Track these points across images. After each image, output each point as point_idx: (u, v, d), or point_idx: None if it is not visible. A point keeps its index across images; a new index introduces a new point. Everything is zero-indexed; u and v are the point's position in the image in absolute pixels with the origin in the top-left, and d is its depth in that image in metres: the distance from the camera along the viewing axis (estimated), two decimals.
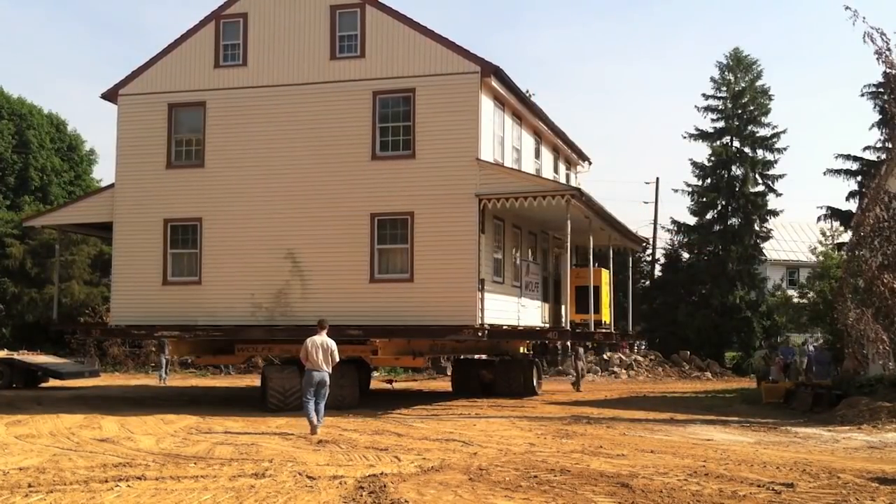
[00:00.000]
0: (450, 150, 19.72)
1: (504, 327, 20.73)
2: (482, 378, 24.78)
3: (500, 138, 21.33)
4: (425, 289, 19.46)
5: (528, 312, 23.00)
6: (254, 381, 28.66)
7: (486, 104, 20.25)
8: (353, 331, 19.23)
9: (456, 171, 19.57)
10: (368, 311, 19.41)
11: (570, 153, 27.89)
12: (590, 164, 29.72)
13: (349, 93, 20.43)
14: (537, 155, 24.76)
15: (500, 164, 20.63)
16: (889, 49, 18.53)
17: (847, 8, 18.04)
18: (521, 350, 26.15)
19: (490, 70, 19.82)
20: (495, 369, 24.79)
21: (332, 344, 15.30)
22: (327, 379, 15.17)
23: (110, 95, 22.04)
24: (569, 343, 28.42)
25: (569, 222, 19.53)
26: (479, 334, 19.27)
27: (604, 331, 23.24)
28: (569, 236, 19.73)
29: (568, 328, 20.59)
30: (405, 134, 20.13)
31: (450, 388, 26.19)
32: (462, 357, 26.10)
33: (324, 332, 15.39)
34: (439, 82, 19.96)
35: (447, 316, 19.16)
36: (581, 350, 28.68)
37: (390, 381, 29.03)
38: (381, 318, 19.37)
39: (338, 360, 15.47)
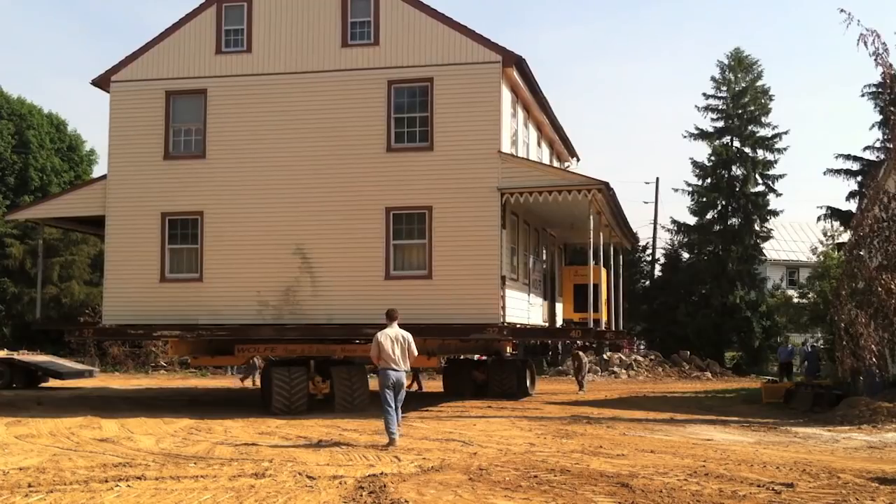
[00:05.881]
0: (470, 142, 19.29)
1: (517, 325, 20.55)
2: (475, 378, 24.37)
3: (514, 130, 21.08)
4: (444, 286, 19.02)
5: (534, 310, 22.92)
6: (254, 381, 28.60)
7: (506, 95, 19.97)
8: (370, 330, 18.81)
9: (477, 164, 19.15)
10: (383, 310, 18.73)
11: (562, 148, 27.76)
12: (578, 160, 29.61)
13: (362, 82, 19.91)
14: (538, 148, 24.67)
15: (515, 156, 20.29)
16: (886, 51, 18.54)
17: (841, 10, 18.05)
18: (508, 349, 25.89)
19: (512, 60, 19.45)
20: (488, 369, 24.36)
21: (409, 336, 13.28)
22: (404, 379, 13.31)
23: (101, 82, 21.22)
24: (580, 345, 28.19)
25: (591, 219, 19.20)
26: (505, 333, 19.07)
27: (606, 329, 23.15)
28: (591, 233, 19.31)
29: (592, 327, 20.06)
30: (422, 125, 19.69)
31: (441, 389, 25.91)
32: (454, 357, 25.84)
33: (395, 324, 13.43)
34: (458, 72, 19.53)
35: (468, 314, 18.75)
36: (582, 353, 28.45)
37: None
38: None
39: (416, 354, 13.53)
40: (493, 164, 19.17)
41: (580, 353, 28.20)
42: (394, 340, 13.12)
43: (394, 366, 13.02)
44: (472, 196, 19.12)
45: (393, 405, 12.99)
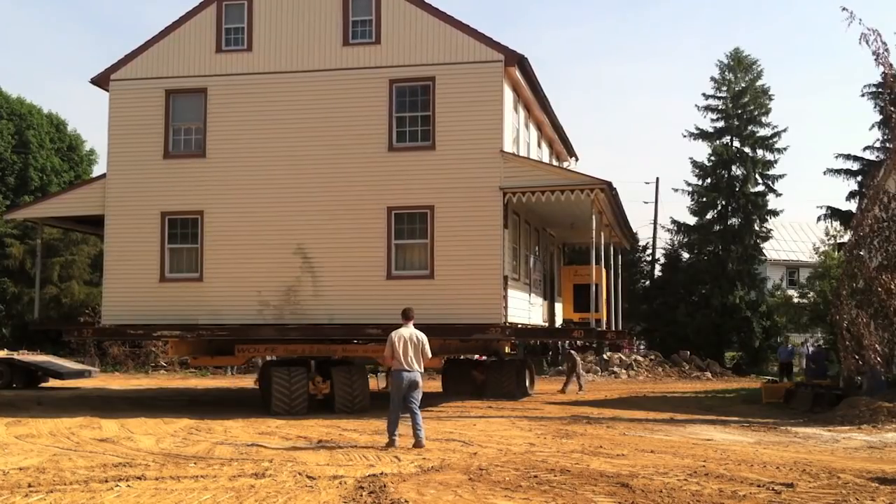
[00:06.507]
0: (472, 141, 19.23)
1: (519, 325, 20.48)
2: (474, 378, 24.26)
3: (516, 129, 21.04)
4: (446, 286, 18.95)
5: (534, 310, 22.88)
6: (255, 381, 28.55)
7: (508, 94, 19.93)
8: (373, 330, 18.70)
9: (479, 164, 19.10)
10: (385, 310, 18.54)
11: (561, 148, 27.71)
12: (577, 160, 29.59)
13: (363, 80, 19.84)
14: (538, 147, 24.64)
15: (517, 155, 20.24)
16: (887, 50, 18.55)
17: (844, 9, 18.07)
18: (507, 349, 25.89)
19: (515, 59, 19.42)
20: (487, 370, 24.25)
21: (423, 337, 13.00)
22: (419, 380, 12.88)
23: (101, 81, 21.08)
24: (570, 346, 28.19)
25: (593, 218, 19.20)
26: (507, 333, 19.01)
27: (606, 330, 23.12)
28: (593, 233, 19.30)
29: (595, 327, 19.99)
30: (424, 124, 19.62)
31: (440, 389, 25.83)
32: (453, 357, 25.82)
33: (410, 324, 13.17)
34: (461, 71, 19.46)
35: (470, 314, 18.70)
36: (575, 354, 28.38)
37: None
38: (398, 316, 18.68)
39: (430, 356, 13.20)
40: (495, 164, 19.13)
41: (573, 353, 28.17)
42: (408, 341, 12.85)
43: (407, 367, 12.76)
44: (475, 195, 19.07)
45: (400, 408, 12.76)
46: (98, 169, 51.74)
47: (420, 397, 12.98)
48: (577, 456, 12.09)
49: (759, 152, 44.38)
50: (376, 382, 26.81)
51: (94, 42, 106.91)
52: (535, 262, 23.41)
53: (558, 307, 27.23)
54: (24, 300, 41.38)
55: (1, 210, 41.94)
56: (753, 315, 42.40)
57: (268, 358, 23.31)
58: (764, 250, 46.79)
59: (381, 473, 10.29)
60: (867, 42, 18.28)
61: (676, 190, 45.34)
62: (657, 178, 50.18)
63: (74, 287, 42.26)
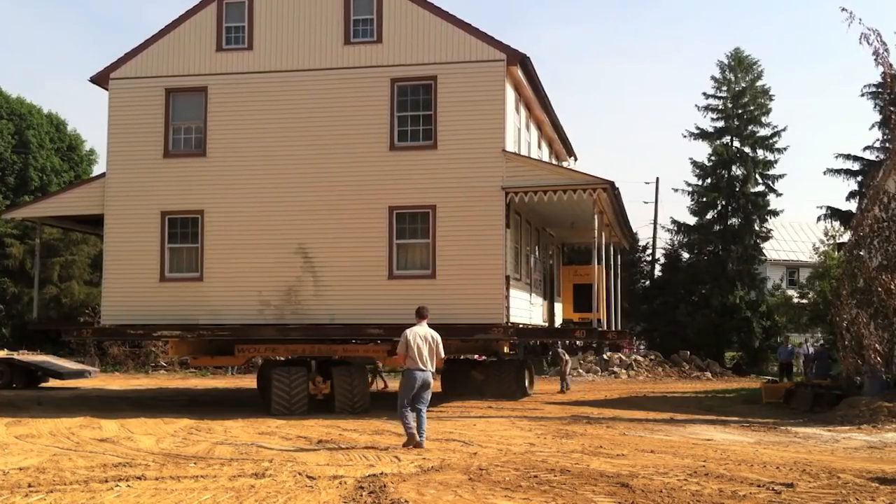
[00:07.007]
0: (474, 140, 19.21)
1: (521, 325, 20.51)
2: (473, 378, 24.24)
3: (517, 129, 21.03)
4: (448, 286, 18.92)
5: (535, 310, 22.87)
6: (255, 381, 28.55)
7: (510, 93, 19.91)
8: (374, 330, 18.68)
9: (481, 163, 19.09)
10: (387, 310, 18.71)
11: (560, 148, 27.69)
12: (575, 159, 29.58)
13: (365, 80, 19.82)
14: (539, 147, 24.64)
15: (519, 155, 20.21)
16: (887, 50, 18.56)
17: (843, 9, 18.07)
18: (506, 349, 25.87)
19: (517, 59, 19.39)
20: (487, 370, 24.23)
21: (438, 337, 12.87)
22: (431, 379, 12.77)
23: (100, 79, 21.03)
24: (560, 346, 28.17)
25: (595, 218, 19.19)
26: (509, 333, 19.03)
27: (607, 330, 23.08)
28: (595, 232, 19.30)
29: (596, 327, 19.93)
30: (426, 123, 19.60)
31: (439, 389, 25.74)
32: (453, 357, 25.79)
33: (424, 323, 12.95)
34: (463, 70, 19.43)
35: (472, 314, 18.69)
36: (564, 353, 28.33)
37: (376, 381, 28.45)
38: (400, 316, 18.21)
39: (443, 356, 13.08)
40: (497, 163, 19.11)
41: (562, 353, 28.13)
42: (423, 340, 12.71)
43: (421, 366, 12.60)
44: (477, 195, 19.05)
45: (409, 407, 12.59)
46: (98, 169, 51.65)
47: (429, 398, 12.88)
48: (577, 456, 12.08)
49: (759, 152, 44.37)
50: (376, 383, 26.72)
51: (94, 41, 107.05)
52: (536, 262, 23.40)
53: (558, 307, 27.21)
54: (24, 300, 41.34)
55: (1, 210, 41.94)
56: (753, 315, 42.38)
57: (276, 358, 23.32)
58: (764, 250, 46.78)
59: (381, 473, 10.29)
60: (867, 42, 18.30)
61: (676, 190, 45.37)
62: (657, 178, 50.29)
63: (74, 287, 42.26)
